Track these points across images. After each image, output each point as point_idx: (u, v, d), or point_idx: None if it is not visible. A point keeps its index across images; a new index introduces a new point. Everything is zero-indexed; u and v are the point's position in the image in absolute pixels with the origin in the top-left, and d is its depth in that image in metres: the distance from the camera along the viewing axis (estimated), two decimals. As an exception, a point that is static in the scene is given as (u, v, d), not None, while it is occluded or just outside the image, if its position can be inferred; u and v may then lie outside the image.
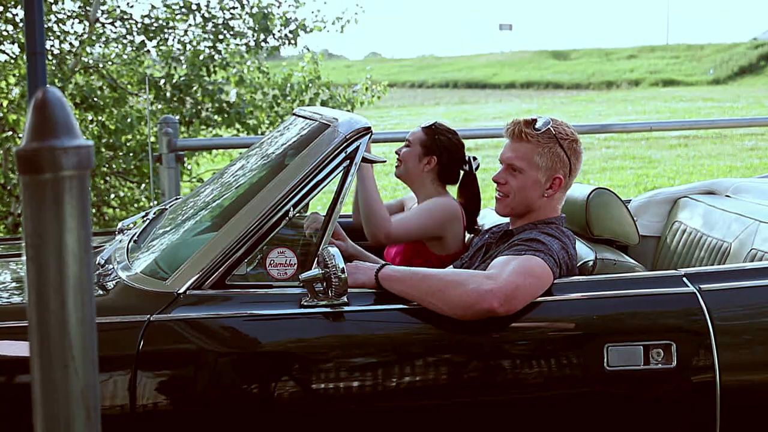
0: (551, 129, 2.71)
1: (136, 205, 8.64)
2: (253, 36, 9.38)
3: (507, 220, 2.90)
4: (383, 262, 2.53)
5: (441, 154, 3.43)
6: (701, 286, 2.50)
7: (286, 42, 9.56)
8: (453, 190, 3.53)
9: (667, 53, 46.93)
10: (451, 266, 3.04)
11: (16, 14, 8.63)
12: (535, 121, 2.73)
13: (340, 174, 2.56)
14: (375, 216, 3.14)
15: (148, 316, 2.34)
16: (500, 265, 2.44)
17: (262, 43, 9.41)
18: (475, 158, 3.52)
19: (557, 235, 2.63)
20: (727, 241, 3.16)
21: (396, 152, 3.51)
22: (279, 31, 9.51)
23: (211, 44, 9.13)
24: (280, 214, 2.47)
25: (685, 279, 2.53)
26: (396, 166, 3.50)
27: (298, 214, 2.56)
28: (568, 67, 45.65)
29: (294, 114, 3.14)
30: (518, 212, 2.77)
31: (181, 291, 2.40)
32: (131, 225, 3.32)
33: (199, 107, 8.93)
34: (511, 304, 2.33)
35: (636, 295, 2.50)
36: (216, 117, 8.89)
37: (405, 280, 2.41)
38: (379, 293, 2.45)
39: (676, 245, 3.48)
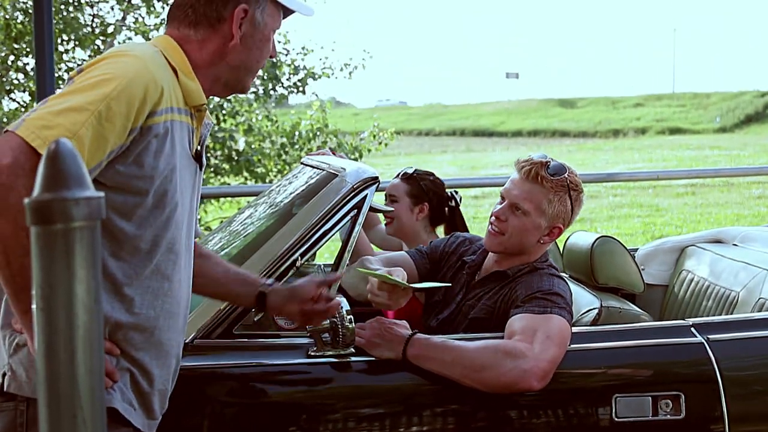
0: (566, 177, 2.61)
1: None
2: (262, 84, 9.47)
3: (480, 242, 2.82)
4: (408, 333, 2.41)
5: (431, 199, 3.40)
6: (709, 336, 2.49)
7: (295, 90, 9.64)
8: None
9: (673, 101, 47.17)
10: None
11: (27, 63, 8.73)
12: (548, 163, 2.61)
13: (348, 223, 2.57)
14: None
15: (156, 365, 2.33)
16: (529, 330, 2.36)
17: (271, 92, 9.49)
18: (456, 192, 3.49)
19: (558, 275, 2.61)
20: (735, 290, 3.15)
21: (385, 215, 3.42)
22: (288, 80, 9.59)
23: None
24: (288, 263, 2.48)
25: (693, 329, 2.52)
26: (386, 224, 3.43)
27: (305, 263, 2.56)
28: (575, 115, 45.84)
29: (302, 163, 3.16)
30: (509, 252, 2.65)
31: (189, 340, 2.40)
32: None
33: (209, 155, 8.98)
34: (548, 379, 2.32)
35: (644, 345, 2.49)
36: (224, 165, 8.94)
37: (436, 359, 2.35)
38: None
39: (684, 294, 3.47)
